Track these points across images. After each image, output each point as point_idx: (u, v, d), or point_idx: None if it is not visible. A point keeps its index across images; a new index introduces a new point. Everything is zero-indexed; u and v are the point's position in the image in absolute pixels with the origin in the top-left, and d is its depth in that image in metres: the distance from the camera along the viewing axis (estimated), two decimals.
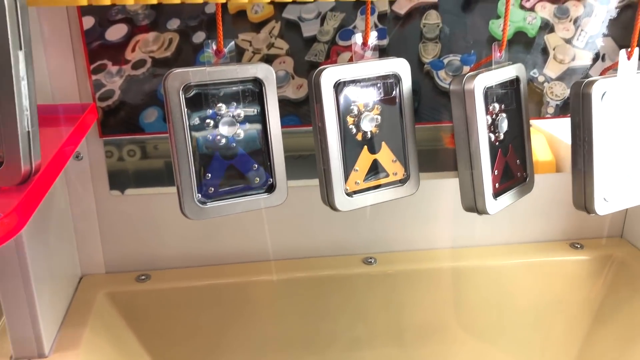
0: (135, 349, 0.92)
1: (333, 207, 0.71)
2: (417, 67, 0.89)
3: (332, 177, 0.69)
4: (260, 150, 0.69)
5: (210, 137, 0.67)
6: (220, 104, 0.66)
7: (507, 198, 0.76)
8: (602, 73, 0.79)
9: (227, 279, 0.95)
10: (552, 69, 0.92)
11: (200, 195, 0.66)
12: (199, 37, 0.83)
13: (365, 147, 0.72)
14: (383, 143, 0.73)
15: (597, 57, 0.93)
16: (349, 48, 0.82)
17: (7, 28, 0.50)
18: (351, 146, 0.71)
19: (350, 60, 0.71)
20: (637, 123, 0.77)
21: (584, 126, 0.74)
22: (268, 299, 0.98)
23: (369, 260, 0.99)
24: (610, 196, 0.77)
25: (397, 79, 0.72)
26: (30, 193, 0.54)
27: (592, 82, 0.73)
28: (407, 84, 0.72)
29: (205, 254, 0.97)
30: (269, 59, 0.86)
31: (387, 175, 0.74)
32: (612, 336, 1.00)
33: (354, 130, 0.71)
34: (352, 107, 0.70)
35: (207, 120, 0.66)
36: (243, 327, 0.97)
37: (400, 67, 0.72)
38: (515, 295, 1.03)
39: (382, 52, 0.87)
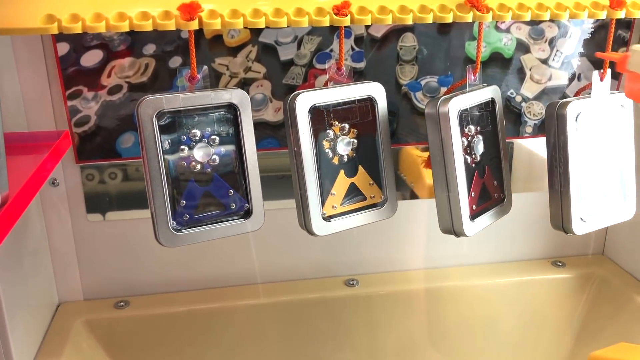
0: None
1: (310, 232, 0.70)
2: (395, 88, 0.89)
3: (308, 201, 0.69)
4: (236, 176, 0.69)
5: (185, 164, 0.66)
6: (194, 130, 0.66)
7: (485, 219, 0.76)
8: (577, 94, 0.80)
9: (207, 304, 0.94)
10: (529, 89, 0.93)
11: (175, 222, 0.66)
12: (175, 61, 0.82)
13: (342, 170, 0.72)
14: (360, 166, 0.73)
15: (573, 77, 0.94)
16: (326, 71, 0.82)
17: None
18: (328, 170, 0.71)
19: (326, 84, 0.72)
20: (612, 143, 0.78)
21: (560, 147, 0.75)
22: (250, 323, 0.96)
23: (351, 282, 0.99)
24: (587, 216, 0.77)
25: (372, 102, 0.72)
26: None
27: (567, 103, 0.74)
28: (382, 107, 0.72)
29: (185, 279, 0.96)
30: (246, 83, 0.86)
31: (365, 199, 0.74)
32: None
33: (330, 154, 0.71)
34: (327, 131, 0.70)
35: (182, 147, 0.66)
36: (225, 353, 0.95)
37: (375, 90, 0.72)
38: (498, 314, 1.02)
39: (360, 75, 0.87)
